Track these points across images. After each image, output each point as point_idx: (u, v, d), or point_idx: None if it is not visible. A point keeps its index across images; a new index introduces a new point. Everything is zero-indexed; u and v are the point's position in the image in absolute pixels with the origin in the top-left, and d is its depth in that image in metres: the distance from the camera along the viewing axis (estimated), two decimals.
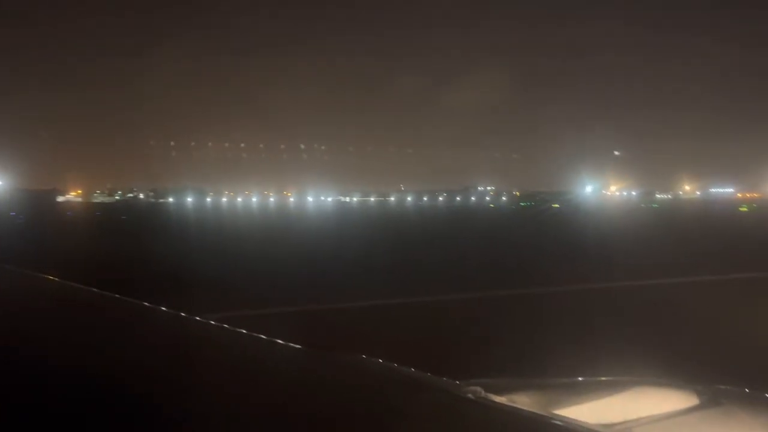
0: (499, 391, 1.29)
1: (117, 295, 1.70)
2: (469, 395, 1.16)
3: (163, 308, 1.59)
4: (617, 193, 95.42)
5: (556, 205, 73.11)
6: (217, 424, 0.88)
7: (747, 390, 1.64)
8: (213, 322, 1.49)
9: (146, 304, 1.61)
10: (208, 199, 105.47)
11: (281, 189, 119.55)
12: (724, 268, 13.30)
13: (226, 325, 1.45)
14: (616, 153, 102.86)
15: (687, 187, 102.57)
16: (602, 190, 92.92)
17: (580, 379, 1.70)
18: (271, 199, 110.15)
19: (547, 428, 1.07)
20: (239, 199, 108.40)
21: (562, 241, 24.13)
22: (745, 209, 59.57)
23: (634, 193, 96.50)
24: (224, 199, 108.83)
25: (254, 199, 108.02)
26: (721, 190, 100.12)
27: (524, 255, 17.88)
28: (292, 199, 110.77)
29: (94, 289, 1.76)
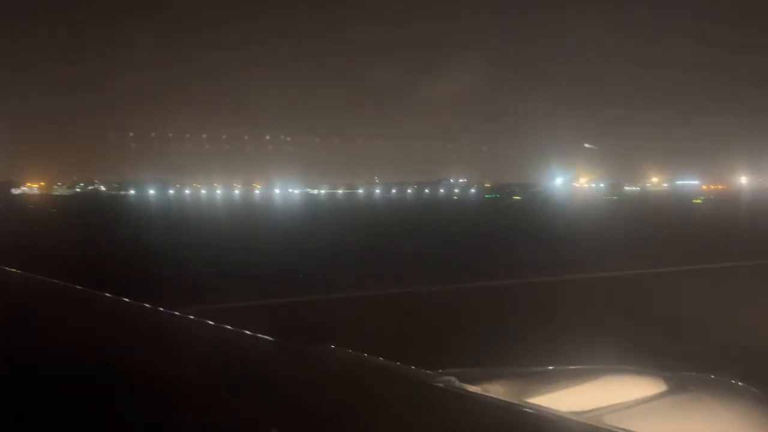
0: (472, 381, 1.31)
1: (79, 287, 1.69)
2: (443, 385, 1.16)
3: (129, 300, 1.57)
4: (587, 185, 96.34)
5: (517, 198, 73.47)
6: (192, 418, 0.87)
7: (712, 376, 1.72)
8: (190, 316, 1.49)
9: (115, 296, 1.59)
10: (171, 191, 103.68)
11: (250, 181, 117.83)
12: (635, 263, 13.00)
13: (202, 319, 1.44)
14: (587, 145, 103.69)
15: (654, 179, 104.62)
16: (572, 182, 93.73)
17: (552, 367, 1.72)
18: (237, 191, 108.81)
19: (520, 417, 1.06)
20: (203, 192, 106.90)
21: (496, 233, 24.25)
22: (699, 201, 61.04)
23: (602, 185, 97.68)
24: (188, 191, 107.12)
25: (219, 191, 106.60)
26: (687, 182, 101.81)
27: (445, 248, 17.29)
28: (258, 191, 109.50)
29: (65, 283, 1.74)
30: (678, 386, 1.49)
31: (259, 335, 1.31)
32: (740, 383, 1.71)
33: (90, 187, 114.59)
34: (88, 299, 1.66)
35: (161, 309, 1.50)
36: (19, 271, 1.92)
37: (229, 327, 1.36)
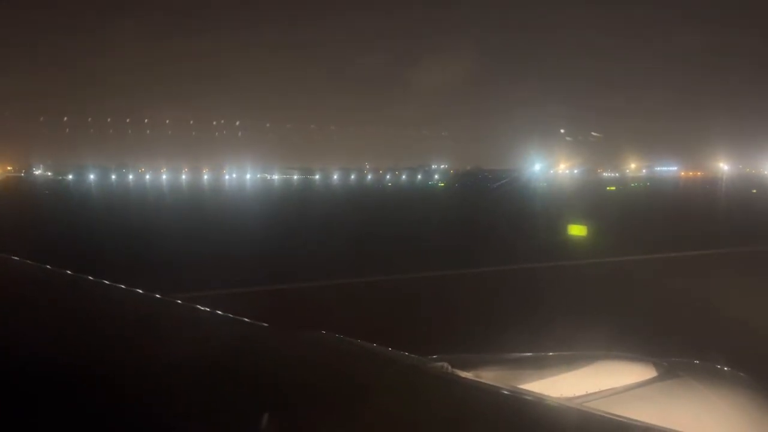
0: (464, 367, 1.31)
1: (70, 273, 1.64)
2: (435, 370, 1.17)
3: (123, 286, 1.53)
4: (566, 172, 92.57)
5: (442, 184, 71.28)
6: (183, 403, 0.87)
7: (697, 361, 1.74)
8: (178, 301, 1.46)
9: (110, 283, 1.54)
10: (113, 177, 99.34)
11: (202, 166, 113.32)
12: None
13: (193, 304, 1.42)
14: (594, 134, 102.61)
15: (633, 166, 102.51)
16: (551, 168, 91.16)
17: (543, 353, 1.73)
18: (183, 177, 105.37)
19: (511, 402, 1.07)
20: (147, 177, 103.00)
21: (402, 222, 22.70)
22: (612, 189, 59.61)
23: (575, 171, 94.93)
24: (131, 177, 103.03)
25: (164, 177, 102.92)
26: (665, 168, 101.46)
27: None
28: (206, 177, 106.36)
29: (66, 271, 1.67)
30: (667, 372, 1.51)
31: (251, 320, 1.30)
32: (727, 368, 1.75)
33: (22, 173, 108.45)
34: (71, 283, 1.62)
35: (149, 293, 1.49)
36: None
37: (220, 312, 1.34)
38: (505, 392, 1.14)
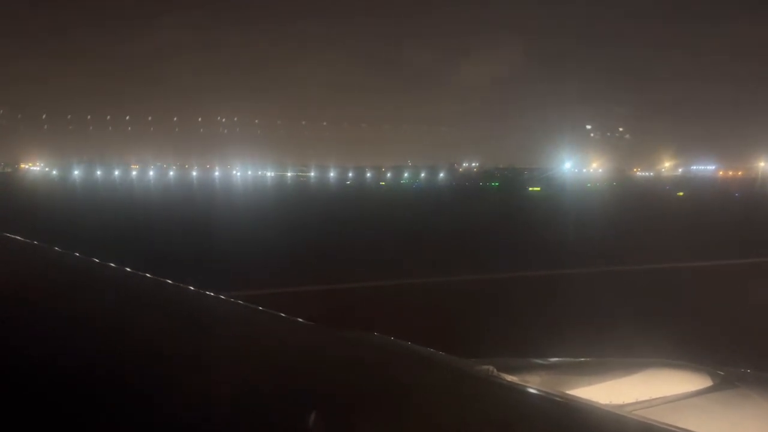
0: (511, 370, 1.28)
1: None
2: (481, 374, 1.15)
3: (170, 281, 1.54)
4: (599, 171, 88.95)
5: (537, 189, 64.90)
6: (229, 397, 0.87)
7: (752, 371, 1.68)
8: (223, 297, 1.47)
9: (155, 277, 1.55)
10: (99, 173, 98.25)
11: (190, 163, 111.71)
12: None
13: (239, 301, 1.43)
14: (621, 129, 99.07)
15: (667, 165, 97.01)
16: (582, 167, 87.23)
17: (592, 359, 1.69)
18: (171, 173, 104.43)
19: (558, 408, 1.04)
20: (134, 173, 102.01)
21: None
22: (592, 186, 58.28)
23: (600, 171, 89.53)
24: (116, 173, 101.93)
25: (151, 173, 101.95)
26: (702, 167, 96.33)
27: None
28: (194, 174, 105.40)
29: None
30: (724, 381, 1.46)
31: (299, 319, 1.30)
32: None
33: (8, 169, 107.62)
34: (118, 278, 1.63)
35: (201, 290, 1.50)
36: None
37: (269, 310, 1.35)
38: (551, 397, 1.12)
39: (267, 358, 1.08)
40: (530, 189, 63.17)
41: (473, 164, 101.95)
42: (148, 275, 1.58)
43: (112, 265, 1.67)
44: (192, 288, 1.51)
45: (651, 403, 1.34)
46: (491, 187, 72.66)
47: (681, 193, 52.29)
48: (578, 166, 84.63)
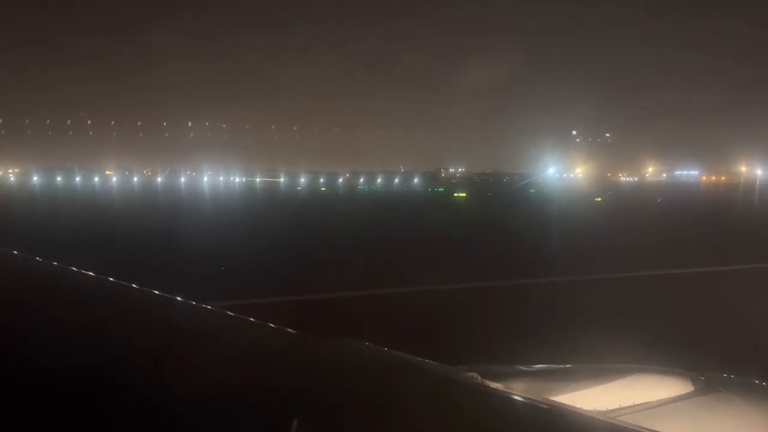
0: (495, 377, 1.29)
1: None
2: (465, 380, 1.16)
3: (162, 294, 1.51)
4: (581, 176, 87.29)
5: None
6: (216, 409, 0.87)
7: (734, 376, 1.71)
8: (213, 308, 1.45)
9: (150, 290, 1.51)
10: (59, 179, 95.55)
11: (170, 168, 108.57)
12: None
13: (228, 312, 1.42)
14: (608, 135, 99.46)
15: (650, 170, 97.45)
16: (564, 173, 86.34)
17: (575, 366, 1.69)
18: (135, 180, 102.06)
19: (542, 414, 1.04)
20: (97, 179, 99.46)
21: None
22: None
23: (580, 176, 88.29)
24: (78, 179, 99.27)
25: (114, 179, 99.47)
26: (686, 172, 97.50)
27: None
28: (160, 180, 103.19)
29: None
30: (705, 386, 1.46)
31: (280, 327, 1.29)
32: (765, 383, 1.69)
33: None
34: (107, 290, 1.62)
35: (177, 298, 1.49)
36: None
37: (249, 318, 1.34)
38: (535, 404, 1.11)
39: (247, 366, 1.07)
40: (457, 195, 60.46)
41: (459, 169, 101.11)
42: (125, 283, 1.57)
43: (91, 273, 1.65)
44: (178, 299, 1.50)
45: (635, 409, 1.35)
46: (437, 192, 69.81)
47: (599, 199, 48.68)
48: (561, 171, 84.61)
